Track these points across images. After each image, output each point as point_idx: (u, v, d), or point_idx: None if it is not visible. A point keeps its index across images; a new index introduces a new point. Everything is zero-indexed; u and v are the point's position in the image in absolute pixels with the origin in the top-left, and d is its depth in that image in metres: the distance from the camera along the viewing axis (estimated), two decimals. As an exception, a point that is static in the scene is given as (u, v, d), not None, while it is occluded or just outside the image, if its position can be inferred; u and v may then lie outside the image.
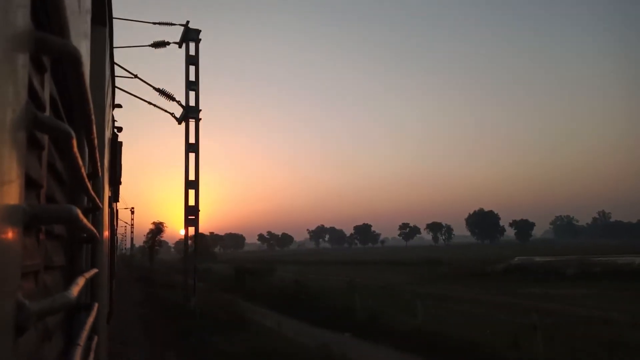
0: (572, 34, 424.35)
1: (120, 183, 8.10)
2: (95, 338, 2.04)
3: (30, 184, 1.04)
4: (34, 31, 0.75)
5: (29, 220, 0.77)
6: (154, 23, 16.62)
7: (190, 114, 15.68)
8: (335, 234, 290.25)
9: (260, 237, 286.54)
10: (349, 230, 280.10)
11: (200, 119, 15.67)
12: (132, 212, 64.79)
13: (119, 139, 7.13)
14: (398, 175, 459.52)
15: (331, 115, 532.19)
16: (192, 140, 16.35)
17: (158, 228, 52.13)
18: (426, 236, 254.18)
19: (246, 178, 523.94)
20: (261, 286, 30.81)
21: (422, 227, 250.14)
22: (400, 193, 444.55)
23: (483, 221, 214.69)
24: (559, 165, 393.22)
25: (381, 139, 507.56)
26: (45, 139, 1.27)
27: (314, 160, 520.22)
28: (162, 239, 53.32)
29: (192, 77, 16.10)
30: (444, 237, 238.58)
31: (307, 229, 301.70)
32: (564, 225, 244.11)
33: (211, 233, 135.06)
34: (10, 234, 0.63)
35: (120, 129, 7.93)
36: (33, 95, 1.01)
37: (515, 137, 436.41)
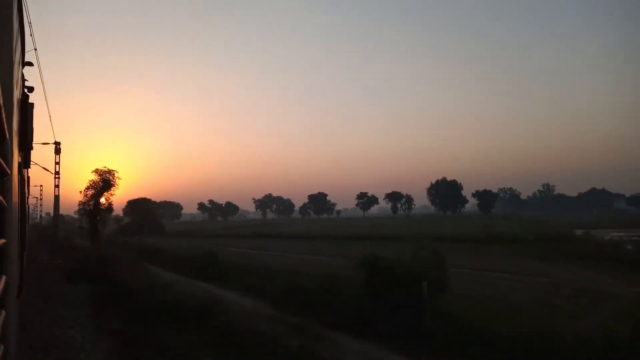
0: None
1: (31, 148, 7.54)
2: (3, 313, 1.90)
3: None
4: None
5: None
6: None
7: (55, 174, 32.29)
8: (282, 203, 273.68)
9: (201, 206, 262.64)
10: (299, 201, 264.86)
11: (59, 177, 31.98)
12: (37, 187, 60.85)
13: (31, 100, 6.61)
14: (356, 143, 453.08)
15: (280, 77, 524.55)
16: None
17: (106, 181, 32.21)
18: (384, 207, 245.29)
19: (185, 144, 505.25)
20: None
21: (381, 197, 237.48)
22: (358, 162, 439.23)
23: (445, 191, 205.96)
24: (511, 138, 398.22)
25: (337, 104, 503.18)
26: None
27: (262, 127, 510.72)
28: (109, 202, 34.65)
29: (57, 160, 32.10)
30: (403, 208, 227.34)
31: (253, 198, 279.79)
32: (507, 197, 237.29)
33: (145, 199, 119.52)
34: None
35: (31, 89, 7.35)
36: None
37: (477, 107, 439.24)
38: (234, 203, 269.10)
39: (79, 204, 33.57)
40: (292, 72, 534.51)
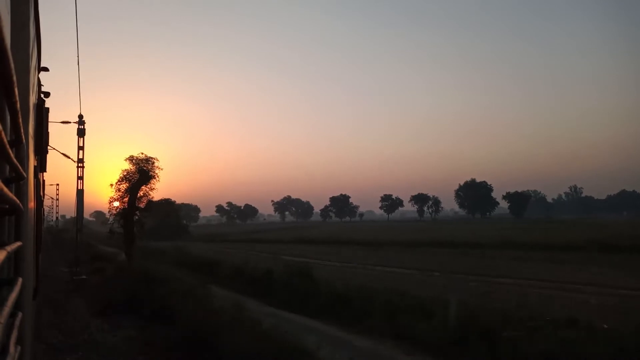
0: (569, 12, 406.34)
1: (47, 152, 7.67)
2: (20, 315, 1.93)
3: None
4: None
5: (-62, 188, 0.70)
6: None
7: (79, 163, 25.72)
8: (301, 206, 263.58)
9: (219, 208, 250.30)
10: (318, 203, 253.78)
11: (84, 167, 26.43)
12: (58, 190, 58.44)
13: (46, 105, 6.71)
14: (380, 144, 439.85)
15: (300, 78, 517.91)
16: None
17: (144, 172, 24.19)
18: (409, 209, 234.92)
19: (202, 145, 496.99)
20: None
21: (406, 199, 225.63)
22: (382, 163, 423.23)
23: (474, 193, 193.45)
24: (536, 139, 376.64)
25: (361, 104, 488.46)
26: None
27: (280, 128, 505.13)
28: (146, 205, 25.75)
29: (80, 144, 25.83)
30: (430, 211, 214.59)
31: (272, 200, 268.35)
32: (533, 200, 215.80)
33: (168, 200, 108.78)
34: None
35: (47, 94, 7.47)
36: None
37: (503, 108, 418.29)
38: (253, 205, 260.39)
39: (110, 202, 25.03)
40: (313, 73, 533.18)
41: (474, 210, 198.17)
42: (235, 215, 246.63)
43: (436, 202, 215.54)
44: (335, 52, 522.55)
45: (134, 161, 24.96)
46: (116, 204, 25.11)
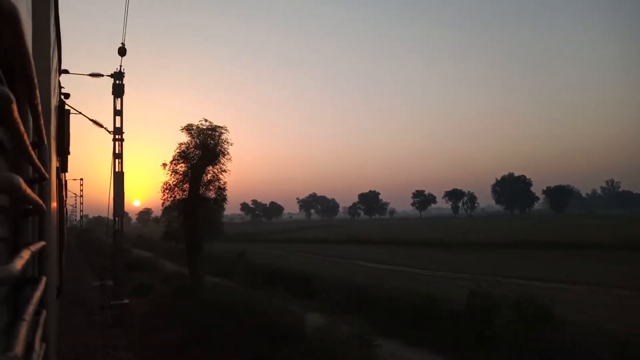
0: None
1: (68, 153, 7.79)
2: (44, 313, 1.97)
3: (-35, 151, 0.97)
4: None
5: (-36, 190, 0.72)
6: None
7: (116, 133, 16.21)
8: (326, 203, 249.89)
9: (244, 206, 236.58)
10: (344, 200, 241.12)
11: (124, 140, 16.50)
12: (82, 185, 53.96)
13: (66, 107, 6.82)
14: (410, 139, 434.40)
15: (330, 73, 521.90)
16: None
17: (208, 147, 17.88)
18: (442, 206, 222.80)
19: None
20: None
21: (438, 195, 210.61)
22: (413, 158, 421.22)
23: (512, 188, 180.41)
24: (571, 132, 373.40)
25: (391, 98, 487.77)
26: (-18, 103, 1.19)
27: (305, 124, 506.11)
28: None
29: (118, 107, 15.99)
30: (465, 207, 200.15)
31: (297, 198, 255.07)
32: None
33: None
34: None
35: (67, 96, 7.59)
36: (-34, 54, 0.93)
37: (538, 101, 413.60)
38: (279, 203, 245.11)
39: (163, 190, 17.86)
40: (340, 68, 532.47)
41: (512, 206, 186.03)
42: (261, 214, 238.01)
43: (472, 197, 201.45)
44: (363, 48, 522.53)
45: (193, 132, 17.47)
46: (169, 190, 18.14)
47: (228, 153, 18.05)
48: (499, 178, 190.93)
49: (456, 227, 76.81)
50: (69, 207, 49.60)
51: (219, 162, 18.05)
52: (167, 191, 18.26)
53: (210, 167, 18.07)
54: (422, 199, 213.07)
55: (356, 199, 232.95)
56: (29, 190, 1.21)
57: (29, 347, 1.49)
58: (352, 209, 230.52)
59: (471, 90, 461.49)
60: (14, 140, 1.66)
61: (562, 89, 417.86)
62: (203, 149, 17.64)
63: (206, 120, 17.88)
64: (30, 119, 1.99)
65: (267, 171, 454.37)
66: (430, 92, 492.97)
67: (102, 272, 21.36)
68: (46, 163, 2.32)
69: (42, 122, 1.87)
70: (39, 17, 2.94)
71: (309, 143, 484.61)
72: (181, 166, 18.03)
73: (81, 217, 63.56)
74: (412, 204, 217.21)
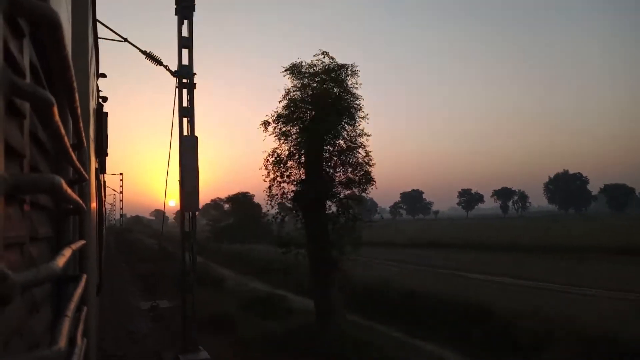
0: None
1: (106, 154, 8.01)
2: (85, 309, 2.03)
3: (10, 152, 1.01)
4: (8, -9, 0.72)
5: (10, 190, 0.75)
6: None
7: (183, 74, 10.29)
8: (363, 203, 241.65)
9: (281, 206, 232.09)
10: (381, 200, 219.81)
11: (195, 83, 10.46)
12: (121, 180, 50.44)
13: (105, 109, 7.01)
14: (456, 135, 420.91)
15: (375, 67, 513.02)
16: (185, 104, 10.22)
17: (328, 98, 11.43)
18: (491, 205, 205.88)
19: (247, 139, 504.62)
20: None
21: (487, 194, 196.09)
22: (457, 157, 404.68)
23: (567, 186, 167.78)
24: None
25: (438, 89, 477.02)
26: (26, 107, 1.24)
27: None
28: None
29: (185, 33, 10.13)
30: (516, 206, 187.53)
31: None
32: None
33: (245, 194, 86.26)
34: (-11, 204, 0.61)
35: (105, 99, 7.79)
36: (10, 60, 0.97)
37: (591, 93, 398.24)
38: None
39: (267, 164, 12.08)
40: (391, 62, 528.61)
41: (567, 206, 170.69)
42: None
43: (522, 196, 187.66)
44: (412, 43, 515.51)
45: (304, 75, 11.81)
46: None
47: (362, 108, 11.74)
48: (552, 176, 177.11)
49: (532, 228, 61.97)
50: (107, 206, 45.61)
51: (355, 122, 11.73)
52: (276, 168, 11.73)
53: (343, 129, 11.73)
54: (469, 198, 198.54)
55: (396, 199, 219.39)
56: (69, 191, 1.25)
57: (72, 341, 1.54)
58: (394, 208, 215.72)
59: (521, 83, 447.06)
60: (55, 143, 1.72)
61: (619, 83, 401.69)
62: (323, 99, 11.34)
63: (325, 55, 11.66)
64: (70, 121, 2.05)
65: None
66: (478, 84, 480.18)
67: (149, 284, 17.02)
68: (85, 164, 2.40)
69: (81, 124, 1.93)
70: (78, 23, 3.03)
71: None
72: (292, 129, 11.67)
73: (121, 215, 58.24)
74: (458, 204, 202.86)
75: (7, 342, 0.89)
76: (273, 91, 12.37)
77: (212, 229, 78.39)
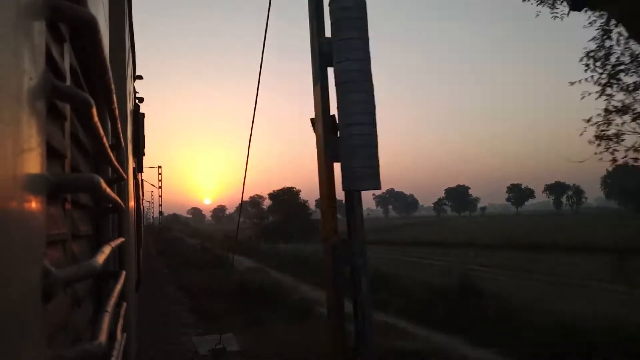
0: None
1: (143, 154, 8.20)
2: (124, 305, 2.09)
3: (53, 153, 1.05)
4: (49, -3, 0.74)
5: (53, 189, 0.78)
6: None
7: None
8: (403, 199, 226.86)
9: (318, 202, 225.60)
10: (422, 196, 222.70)
11: None
12: (160, 173, 45.64)
13: (141, 110, 7.18)
14: (503, 126, 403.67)
15: (415, 59, 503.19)
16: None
17: None
18: (542, 201, 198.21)
19: (295, 136, 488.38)
20: None
21: (538, 189, 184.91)
22: (505, 148, 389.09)
23: (628, 180, 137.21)
24: None
25: (481, 79, 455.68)
26: (67, 109, 1.28)
27: (385, 116, 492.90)
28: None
29: None
30: (570, 202, 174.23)
31: (373, 194, 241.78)
32: None
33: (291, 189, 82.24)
34: (33, 203, 0.64)
35: (142, 100, 7.98)
36: (52, 64, 1.01)
37: None
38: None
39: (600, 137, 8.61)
40: (435, 50, 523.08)
41: (628, 202, 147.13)
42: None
43: (577, 191, 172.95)
44: (473, 37, 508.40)
45: None
46: None
47: None
48: (610, 169, 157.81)
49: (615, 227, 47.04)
50: (145, 204, 40.31)
51: None
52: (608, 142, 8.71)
53: None
54: (518, 193, 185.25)
55: (437, 195, 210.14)
56: (108, 190, 1.29)
57: (112, 336, 1.58)
58: (438, 205, 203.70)
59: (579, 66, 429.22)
60: (94, 143, 1.78)
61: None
62: None
63: None
64: (109, 122, 2.11)
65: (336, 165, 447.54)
66: (529, 70, 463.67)
67: (202, 305, 12.51)
68: (124, 164, 2.46)
69: (119, 125, 1.98)
70: (115, 26, 3.11)
71: (389, 135, 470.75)
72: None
73: (160, 213, 50.75)
74: (507, 199, 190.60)
75: (51, 335, 0.92)
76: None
77: (256, 228, 72.75)
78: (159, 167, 46.08)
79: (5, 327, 0.50)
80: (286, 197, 78.42)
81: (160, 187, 46.50)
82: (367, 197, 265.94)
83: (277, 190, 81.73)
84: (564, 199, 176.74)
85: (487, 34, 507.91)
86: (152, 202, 53.12)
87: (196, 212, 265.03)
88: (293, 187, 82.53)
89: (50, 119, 0.99)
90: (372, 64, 4.02)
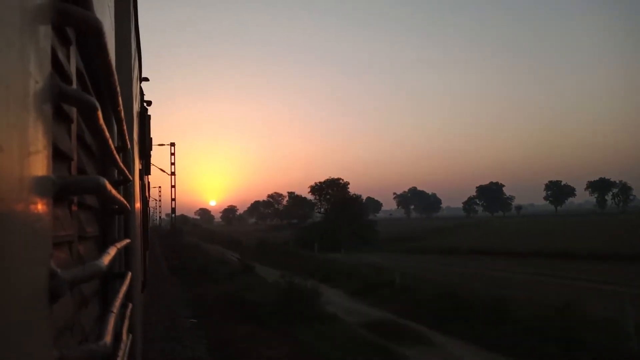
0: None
1: (150, 156, 8.23)
2: (130, 306, 2.10)
3: (59, 155, 1.06)
4: (56, 1, 0.75)
5: (59, 191, 0.79)
6: None
7: None
8: (426, 199, 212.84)
9: None
10: (445, 196, 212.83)
11: None
12: (173, 149, 36.07)
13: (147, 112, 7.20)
14: (540, 121, 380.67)
15: (436, 55, 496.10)
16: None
17: None
18: (585, 199, 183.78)
19: (321, 138, 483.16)
20: None
21: (580, 186, 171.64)
22: (544, 144, 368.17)
23: None
24: None
25: (508, 78, 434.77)
26: (73, 112, 1.29)
27: (408, 106, 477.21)
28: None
29: None
30: (616, 200, 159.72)
31: (394, 193, 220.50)
32: None
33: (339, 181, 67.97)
34: (40, 204, 0.65)
35: (149, 103, 8.01)
36: (58, 67, 1.02)
37: None
38: (375, 198, 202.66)
39: None
40: (453, 51, 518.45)
41: None
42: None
43: (624, 189, 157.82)
44: (487, 34, 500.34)
45: None
46: None
47: None
48: None
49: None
50: (150, 208, 38.37)
51: None
52: None
53: None
54: (558, 190, 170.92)
55: (463, 194, 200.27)
56: (114, 191, 1.30)
57: (117, 337, 1.59)
58: (468, 204, 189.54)
59: (627, 56, 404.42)
60: (100, 145, 1.79)
61: None
62: None
63: None
64: (115, 124, 2.13)
65: (362, 162, 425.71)
66: (566, 65, 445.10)
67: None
68: (130, 166, 2.48)
69: (125, 127, 2.00)
70: (120, 29, 3.13)
71: (415, 134, 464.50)
72: None
73: (172, 210, 38.37)
74: (545, 197, 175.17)
75: (58, 335, 0.93)
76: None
77: (296, 231, 59.57)
78: (172, 144, 35.94)
79: (12, 327, 0.51)
80: (331, 191, 63.70)
81: (173, 174, 35.96)
82: (388, 197, 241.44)
83: (320, 183, 67.48)
84: (608, 197, 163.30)
85: (517, 29, 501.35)
86: (160, 200, 45.04)
87: (204, 213, 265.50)
88: (340, 179, 66.90)
89: (56, 122, 1.00)
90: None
